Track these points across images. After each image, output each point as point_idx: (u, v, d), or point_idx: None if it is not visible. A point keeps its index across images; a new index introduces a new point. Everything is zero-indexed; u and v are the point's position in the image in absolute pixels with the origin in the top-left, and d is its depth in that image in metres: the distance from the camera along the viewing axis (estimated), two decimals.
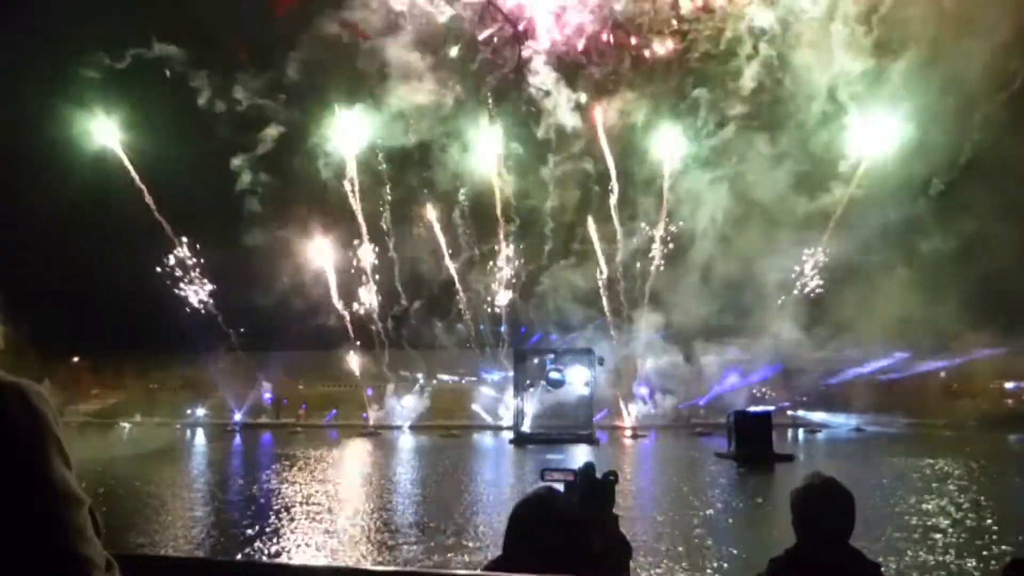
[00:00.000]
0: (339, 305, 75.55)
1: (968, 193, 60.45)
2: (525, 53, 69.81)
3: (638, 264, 74.44)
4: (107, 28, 64.65)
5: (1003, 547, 19.62)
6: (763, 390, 71.91)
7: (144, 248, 71.21)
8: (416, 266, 75.36)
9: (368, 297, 76.42)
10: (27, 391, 1.73)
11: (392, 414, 75.68)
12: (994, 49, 57.31)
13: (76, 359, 77.23)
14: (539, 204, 73.74)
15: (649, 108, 70.12)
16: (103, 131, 69.34)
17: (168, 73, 67.95)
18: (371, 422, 74.45)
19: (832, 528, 3.88)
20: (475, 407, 75.54)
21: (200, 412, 78.12)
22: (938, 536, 21.66)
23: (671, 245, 73.17)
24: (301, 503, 28.08)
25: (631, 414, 73.43)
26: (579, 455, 43.96)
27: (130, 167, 69.54)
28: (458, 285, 75.82)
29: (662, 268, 73.25)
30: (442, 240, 74.95)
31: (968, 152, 62.02)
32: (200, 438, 67.67)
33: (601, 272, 74.56)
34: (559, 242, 74.50)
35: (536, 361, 65.90)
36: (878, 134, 65.61)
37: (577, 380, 64.66)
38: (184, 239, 73.51)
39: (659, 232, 73.18)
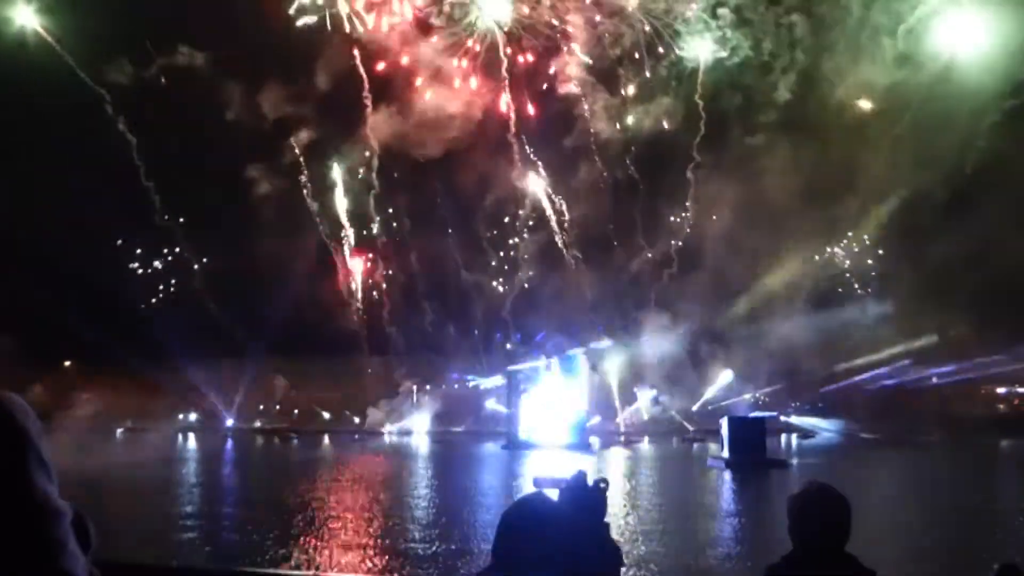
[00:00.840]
0: (349, 309, 75.89)
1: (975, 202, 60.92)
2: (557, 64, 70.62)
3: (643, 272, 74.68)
4: None
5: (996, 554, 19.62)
6: (757, 395, 71.96)
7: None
8: (426, 268, 75.53)
9: (371, 300, 76.72)
10: (7, 404, 1.72)
11: (388, 419, 75.30)
12: None
13: (68, 363, 76.81)
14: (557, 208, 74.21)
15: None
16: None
17: None
18: (366, 427, 74.28)
19: (828, 535, 3.85)
20: (475, 411, 75.08)
21: (192, 417, 77.72)
22: (929, 542, 21.67)
23: (690, 229, 73.28)
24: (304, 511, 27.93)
25: (627, 420, 73.27)
26: (572, 461, 43.89)
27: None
28: (467, 284, 75.82)
29: (674, 270, 73.48)
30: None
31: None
32: (192, 443, 67.39)
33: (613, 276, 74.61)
34: (574, 245, 74.74)
35: (530, 366, 65.89)
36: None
37: (571, 385, 64.64)
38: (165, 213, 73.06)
39: (689, 207, 73.32)
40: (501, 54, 70.66)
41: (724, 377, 71.30)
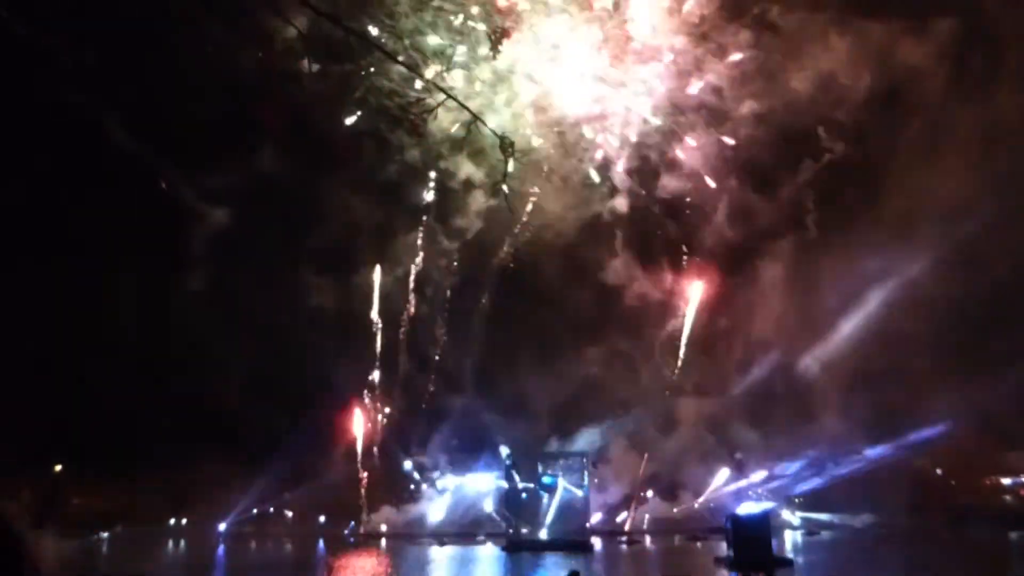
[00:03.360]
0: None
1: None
2: None
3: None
4: None
5: None
6: (759, 490, 70.51)
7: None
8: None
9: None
10: (4, 514, 1.82)
11: (387, 522, 73.45)
12: None
13: (58, 467, 75.39)
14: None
15: None
16: None
17: None
18: (365, 530, 72.46)
19: None
20: (475, 513, 73.07)
21: (184, 521, 75.94)
22: None
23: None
24: None
25: (629, 518, 71.42)
26: (570, 562, 42.82)
27: None
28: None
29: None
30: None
31: None
32: (183, 548, 65.66)
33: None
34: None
35: (530, 464, 64.77)
36: None
37: (572, 484, 63.55)
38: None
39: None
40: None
41: (725, 474, 70.13)
